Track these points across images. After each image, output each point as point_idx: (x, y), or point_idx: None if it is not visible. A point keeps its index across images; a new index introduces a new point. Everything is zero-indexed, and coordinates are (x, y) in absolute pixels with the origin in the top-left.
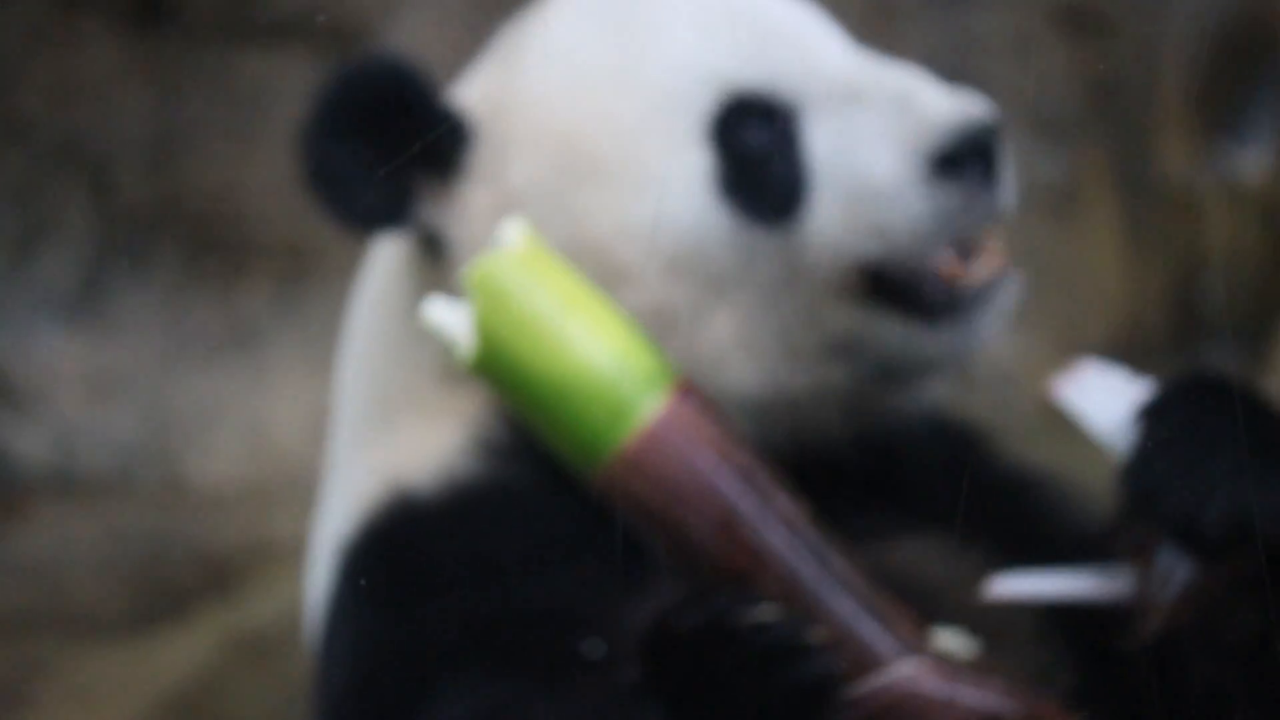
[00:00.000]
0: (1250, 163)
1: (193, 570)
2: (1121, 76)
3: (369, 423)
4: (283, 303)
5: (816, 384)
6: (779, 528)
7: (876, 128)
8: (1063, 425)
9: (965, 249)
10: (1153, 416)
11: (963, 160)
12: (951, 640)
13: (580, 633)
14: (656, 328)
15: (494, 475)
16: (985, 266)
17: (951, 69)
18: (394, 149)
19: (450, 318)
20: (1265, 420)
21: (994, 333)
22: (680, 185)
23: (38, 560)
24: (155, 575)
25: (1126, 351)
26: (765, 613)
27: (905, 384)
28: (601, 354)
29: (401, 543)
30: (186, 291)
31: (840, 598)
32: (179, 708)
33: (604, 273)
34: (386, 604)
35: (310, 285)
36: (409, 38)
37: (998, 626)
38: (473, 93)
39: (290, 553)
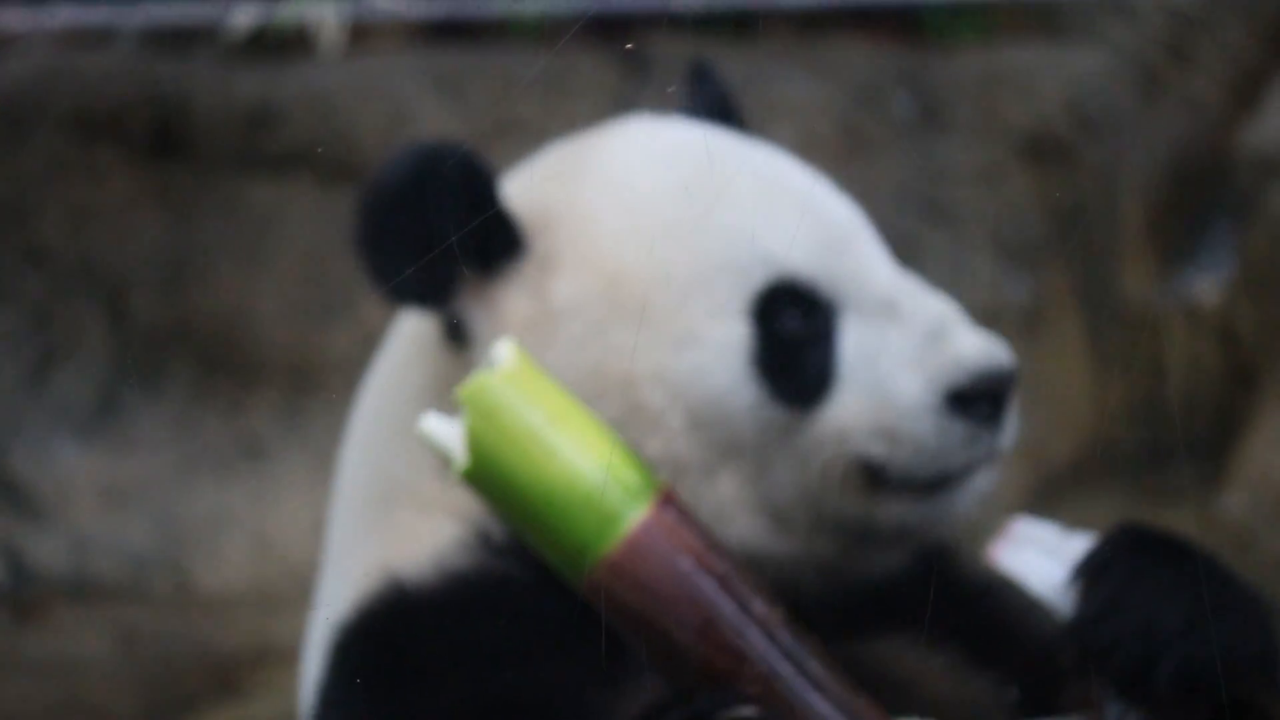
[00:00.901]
0: (1207, 285)
1: (200, 672)
2: (1084, 204)
3: (368, 511)
4: (288, 419)
5: (802, 552)
6: (756, 631)
7: (906, 348)
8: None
9: None
10: (1092, 573)
11: (976, 400)
12: None
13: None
14: (667, 474)
15: (488, 569)
16: None
17: (922, 198)
18: (447, 233)
19: (445, 430)
20: (1198, 569)
21: (976, 501)
22: (718, 350)
23: (53, 662)
24: (165, 677)
25: (1093, 467)
26: (745, 712)
27: (887, 550)
28: (587, 466)
29: (393, 631)
30: (197, 408)
31: (816, 699)
32: None
33: (627, 412)
34: (377, 691)
35: (314, 403)
36: None
37: (967, 717)
38: (526, 201)
39: (293, 655)
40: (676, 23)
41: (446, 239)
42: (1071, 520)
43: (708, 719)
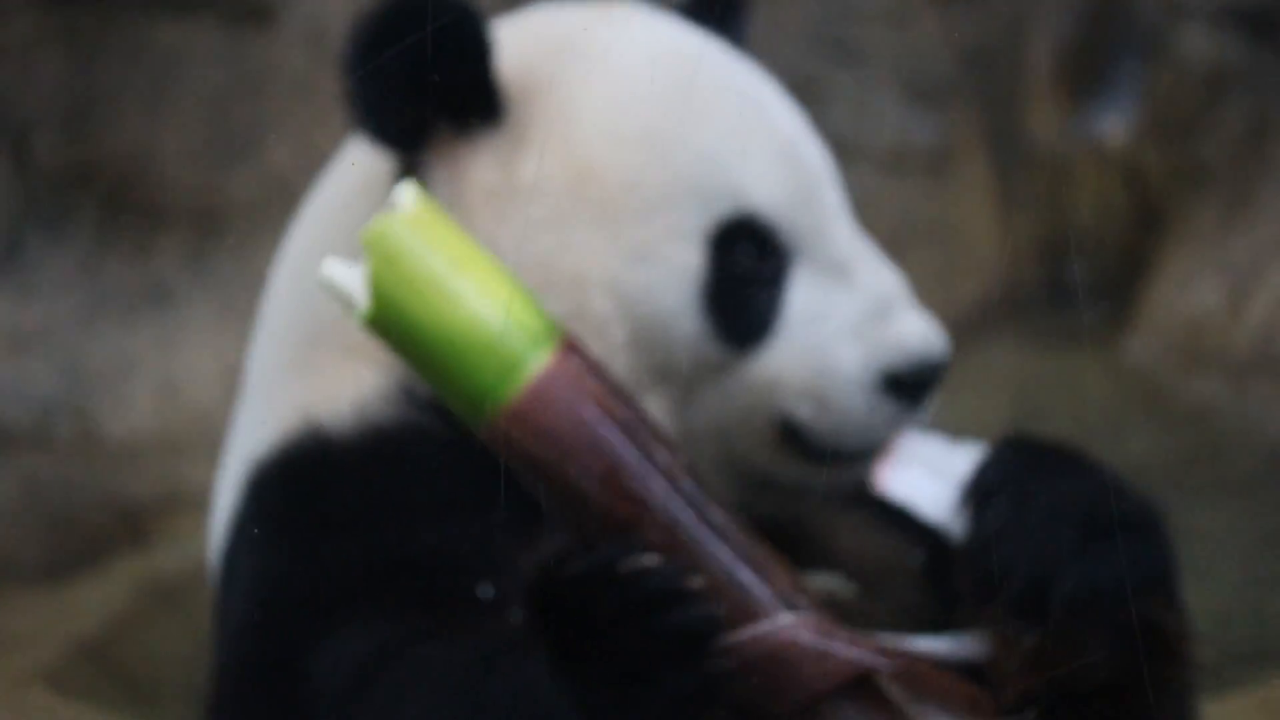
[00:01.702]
0: (1114, 126)
1: (106, 519)
2: (991, 45)
3: (292, 351)
4: (195, 263)
5: None
6: (660, 479)
7: (851, 317)
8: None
9: None
10: (982, 495)
11: (908, 385)
12: (829, 584)
13: (476, 578)
14: None
15: (409, 421)
16: None
17: (830, 38)
18: (433, 82)
19: (348, 276)
20: (1088, 485)
21: (874, 466)
22: (671, 272)
23: None
24: (70, 524)
25: (999, 307)
26: (646, 560)
27: (784, 500)
28: (489, 311)
29: (311, 476)
30: (101, 252)
31: (719, 547)
32: (93, 652)
33: (571, 310)
34: (290, 537)
35: (219, 246)
36: (312, 11)
37: (874, 572)
38: (512, 68)
39: (201, 502)
40: None
41: (430, 86)
42: (976, 364)
43: (608, 568)
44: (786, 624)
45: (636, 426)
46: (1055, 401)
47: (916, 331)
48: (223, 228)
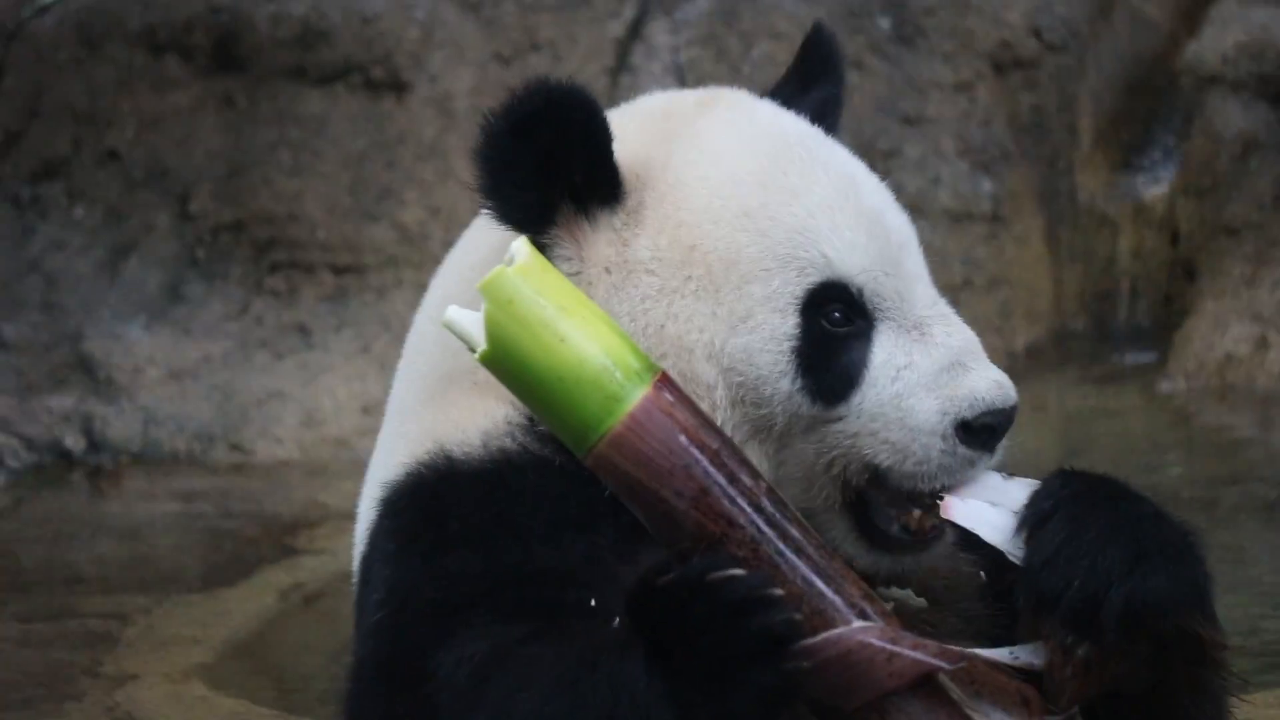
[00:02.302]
0: (1153, 186)
1: (257, 534)
2: (1044, 114)
3: (427, 389)
4: (334, 308)
5: None
6: (744, 501)
7: (929, 371)
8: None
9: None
10: (1037, 521)
11: (980, 431)
12: (900, 595)
13: (584, 592)
14: None
15: (529, 450)
16: (933, 517)
17: (899, 110)
18: (559, 168)
19: (467, 319)
20: (1133, 512)
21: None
22: (768, 337)
23: (125, 525)
24: (225, 538)
25: (1050, 351)
26: (733, 571)
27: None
28: (593, 350)
29: (438, 496)
30: (253, 297)
31: (797, 562)
32: (244, 652)
33: (679, 375)
34: (419, 550)
35: (358, 294)
36: (441, 84)
37: (941, 589)
38: (626, 155)
39: (339, 518)
40: None
41: (558, 173)
42: (1029, 400)
43: (700, 578)
44: (858, 628)
45: (723, 454)
46: (1100, 432)
47: (986, 383)
48: (359, 277)
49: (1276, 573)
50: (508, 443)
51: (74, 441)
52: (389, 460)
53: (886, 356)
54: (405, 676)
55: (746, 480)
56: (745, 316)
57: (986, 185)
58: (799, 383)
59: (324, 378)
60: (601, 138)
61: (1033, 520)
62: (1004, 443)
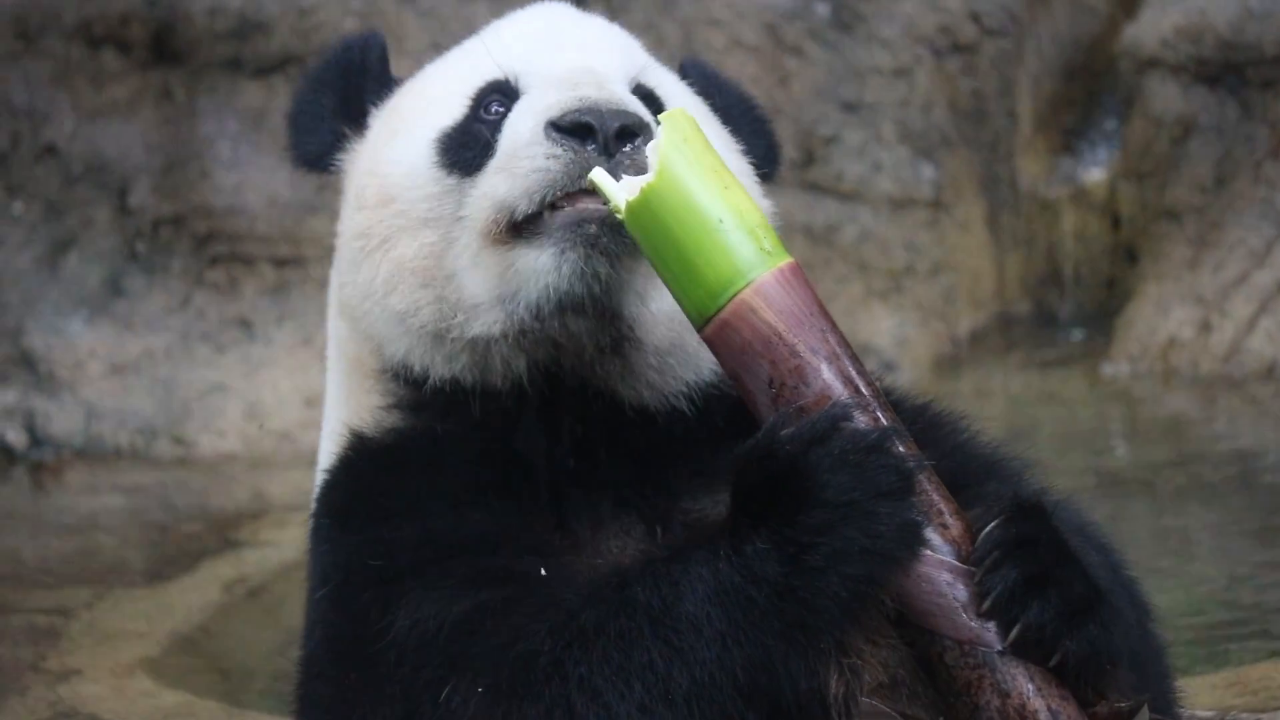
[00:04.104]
0: (1094, 170)
1: (200, 528)
2: (984, 99)
3: (339, 382)
4: (276, 300)
5: (499, 328)
6: (863, 380)
7: (534, 103)
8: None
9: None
10: (989, 568)
11: (576, 130)
12: None
13: (510, 551)
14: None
15: (416, 425)
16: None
17: (840, 97)
18: (349, 107)
19: (607, 181)
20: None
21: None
22: (413, 136)
23: (69, 520)
24: (170, 531)
25: (993, 336)
26: (861, 421)
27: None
28: (751, 206)
29: (362, 474)
30: (194, 290)
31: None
32: (189, 646)
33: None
34: (354, 524)
35: (299, 286)
36: None
37: None
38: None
39: (283, 510)
40: None
41: (345, 105)
42: (973, 385)
43: (840, 416)
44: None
45: (842, 337)
46: (1045, 417)
47: (571, 90)
48: (301, 269)
49: (1219, 555)
50: (397, 419)
51: (16, 436)
52: (325, 457)
53: (514, 116)
54: (355, 645)
55: (861, 365)
56: (403, 128)
57: (928, 171)
58: (439, 162)
59: (266, 370)
60: (377, 60)
61: (982, 561)
62: (630, 150)
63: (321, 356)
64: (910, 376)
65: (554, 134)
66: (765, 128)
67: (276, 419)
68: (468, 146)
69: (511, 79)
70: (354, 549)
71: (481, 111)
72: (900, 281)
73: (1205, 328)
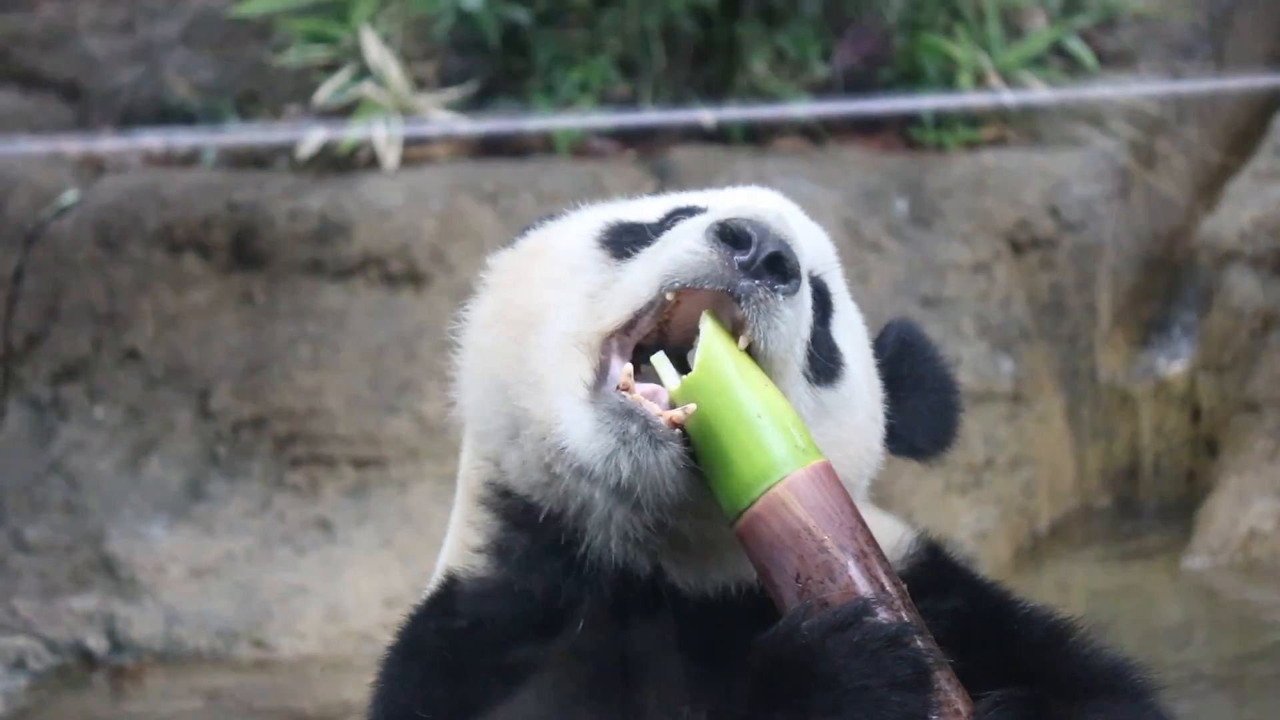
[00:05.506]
0: (1173, 363)
1: None
2: (1062, 293)
3: (453, 526)
4: (355, 501)
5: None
6: (890, 580)
7: (703, 220)
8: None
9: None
10: None
11: (735, 237)
12: None
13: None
14: None
15: (505, 578)
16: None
17: (917, 291)
18: None
19: (664, 366)
20: None
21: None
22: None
23: None
24: None
25: (1073, 529)
26: (882, 617)
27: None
28: (785, 406)
29: (436, 618)
30: (274, 492)
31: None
32: None
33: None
34: (411, 674)
35: (379, 487)
36: (459, 275)
37: None
38: None
39: (362, 714)
40: (697, 134)
41: None
42: (1053, 578)
43: (858, 613)
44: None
45: (871, 533)
46: (1126, 610)
47: (741, 208)
48: (381, 470)
49: None
50: (480, 567)
51: (96, 642)
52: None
53: (683, 223)
54: None
55: (889, 564)
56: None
57: (1007, 365)
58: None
59: (346, 572)
60: None
61: None
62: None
63: (403, 558)
64: (990, 570)
65: (712, 234)
66: (952, 413)
67: (356, 620)
68: (631, 232)
69: (707, 207)
70: (406, 695)
71: (663, 219)
72: (979, 475)
73: None
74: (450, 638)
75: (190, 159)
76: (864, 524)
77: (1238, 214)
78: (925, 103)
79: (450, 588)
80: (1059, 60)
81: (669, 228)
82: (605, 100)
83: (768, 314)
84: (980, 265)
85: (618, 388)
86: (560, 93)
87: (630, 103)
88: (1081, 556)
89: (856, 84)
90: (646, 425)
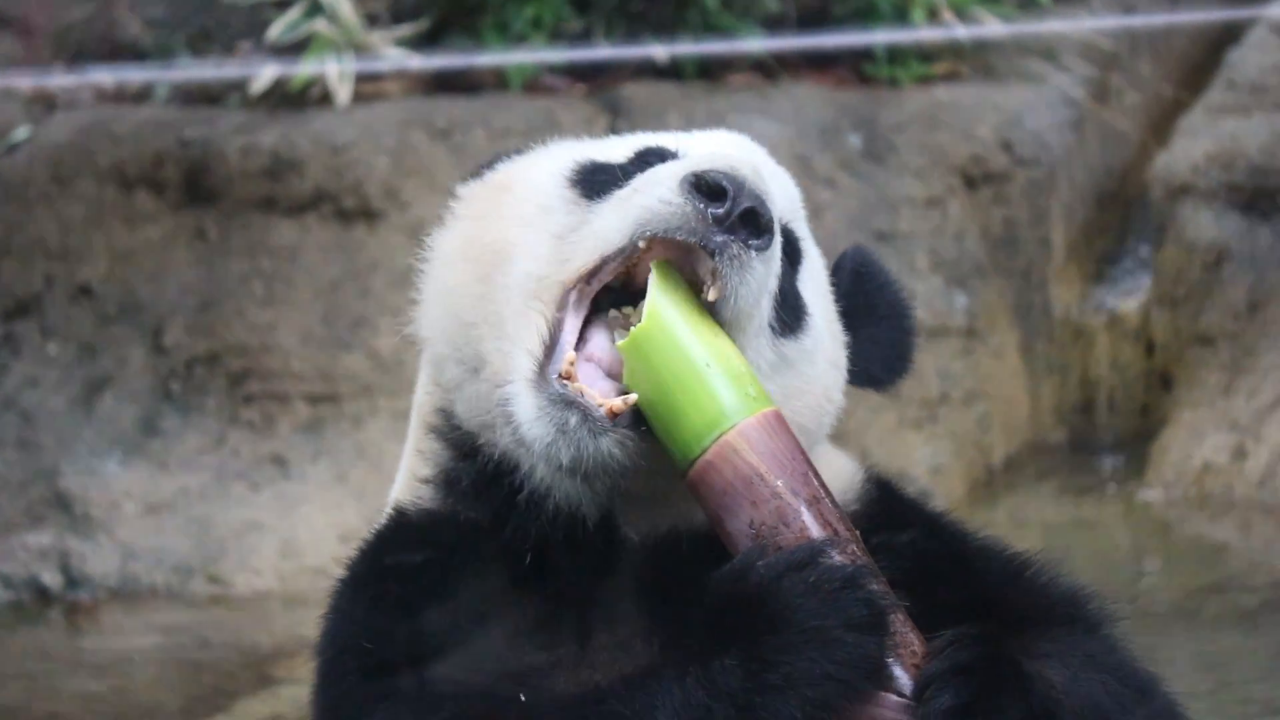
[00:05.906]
0: (1128, 297)
1: (236, 666)
2: (1016, 228)
3: (406, 460)
4: (310, 438)
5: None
6: (844, 525)
7: (687, 162)
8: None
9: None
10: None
11: (710, 191)
12: None
13: (500, 663)
14: None
15: (450, 509)
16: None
17: (871, 226)
18: None
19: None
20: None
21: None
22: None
23: (104, 660)
24: (205, 671)
25: (1028, 463)
26: (836, 559)
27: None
28: (736, 355)
29: (385, 551)
30: (229, 428)
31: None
32: None
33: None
34: (359, 602)
35: (333, 423)
36: (412, 211)
37: None
38: None
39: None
40: (649, 70)
41: None
42: (1007, 511)
43: (815, 554)
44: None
45: (822, 478)
46: (1081, 544)
47: (713, 157)
48: (335, 405)
49: (1258, 682)
50: (428, 498)
51: (51, 578)
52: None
53: (657, 167)
54: None
55: (841, 510)
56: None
57: (961, 300)
58: (574, 193)
59: (301, 507)
60: None
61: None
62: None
63: (359, 494)
64: (945, 505)
65: (687, 184)
66: (907, 340)
67: (312, 556)
68: (602, 172)
69: (678, 150)
70: (353, 627)
71: (633, 160)
72: (934, 410)
73: (1240, 453)
74: (397, 570)
75: (142, 95)
76: (815, 470)
77: (1190, 148)
78: (879, 37)
79: (398, 520)
80: None
81: (640, 170)
82: (558, 36)
83: (740, 269)
84: (934, 200)
85: (560, 376)
86: (513, 29)
87: (583, 38)
88: (1036, 491)
89: (810, 19)
90: (585, 417)
